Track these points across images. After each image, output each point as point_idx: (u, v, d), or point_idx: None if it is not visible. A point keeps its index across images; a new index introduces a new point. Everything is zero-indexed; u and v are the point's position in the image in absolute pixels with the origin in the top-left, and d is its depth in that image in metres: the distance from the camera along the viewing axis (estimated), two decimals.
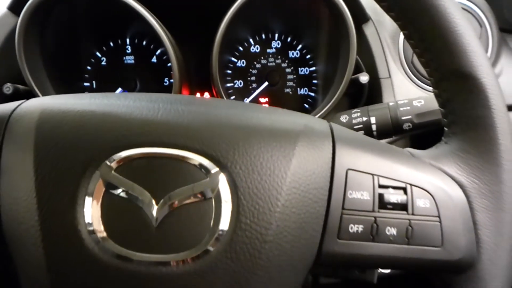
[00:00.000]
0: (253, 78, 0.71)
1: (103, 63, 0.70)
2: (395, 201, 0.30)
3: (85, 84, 0.70)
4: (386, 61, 0.61)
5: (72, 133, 0.29)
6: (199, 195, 0.28)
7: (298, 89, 0.71)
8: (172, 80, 0.69)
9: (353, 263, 0.31)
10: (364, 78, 0.57)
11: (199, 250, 0.27)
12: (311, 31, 0.68)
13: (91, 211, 0.27)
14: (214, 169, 0.28)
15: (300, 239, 0.29)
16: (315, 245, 0.29)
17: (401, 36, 0.63)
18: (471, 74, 0.31)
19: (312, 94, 0.71)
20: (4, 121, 0.30)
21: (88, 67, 0.69)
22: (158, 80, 0.70)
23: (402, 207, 0.30)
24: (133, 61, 0.70)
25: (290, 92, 0.71)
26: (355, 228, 0.30)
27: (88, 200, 0.27)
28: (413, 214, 0.30)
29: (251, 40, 0.70)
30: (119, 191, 0.27)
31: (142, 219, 0.27)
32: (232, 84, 0.71)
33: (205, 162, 0.28)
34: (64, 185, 0.28)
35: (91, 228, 0.27)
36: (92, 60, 0.69)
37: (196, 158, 0.28)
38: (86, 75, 0.69)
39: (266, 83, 0.69)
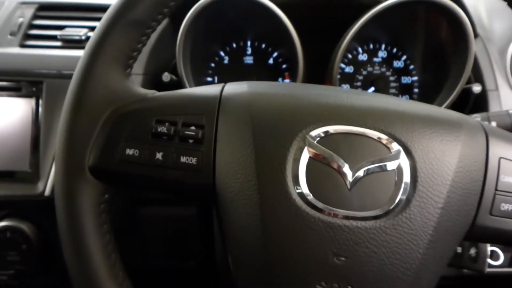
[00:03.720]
0: (358, 83, 0.77)
1: (225, 61, 0.79)
2: None
3: (208, 79, 0.79)
4: (494, 75, 0.66)
5: (279, 110, 0.36)
6: (385, 166, 0.34)
7: (400, 96, 0.77)
8: (286, 81, 0.77)
9: (502, 237, 0.36)
10: (477, 88, 0.62)
11: (384, 210, 0.34)
12: (417, 44, 0.74)
13: (298, 172, 0.35)
14: (396, 147, 0.35)
15: (461, 210, 0.35)
16: (470, 217, 0.35)
17: (509, 52, 0.68)
18: None
19: None
20: (217, 99, 0.38)
21: (212, 64, 0.79)
22: (273, 80, 0.78)
23: None
24: (251, 62, 0.78)
25: None
26: (506, 206, 0.35)
27: (295, 163, 0.35)
28: None
29: (359, 49, 0.77)
30: (320, 158, 0.35)
31: (338, 181, 0.34)
32: None
33: (389, 140, 0.35)
34: (277, 151, 0.35)
35: (297, 186, 0.35)
36: (216, 59, 0.78)
37: (382, 137, 0.35)
38: (209, 71, 0.79)
39: (372, 88, 0.76)
